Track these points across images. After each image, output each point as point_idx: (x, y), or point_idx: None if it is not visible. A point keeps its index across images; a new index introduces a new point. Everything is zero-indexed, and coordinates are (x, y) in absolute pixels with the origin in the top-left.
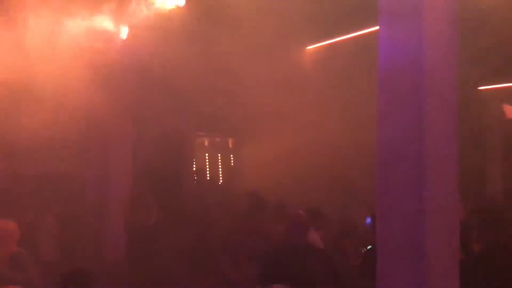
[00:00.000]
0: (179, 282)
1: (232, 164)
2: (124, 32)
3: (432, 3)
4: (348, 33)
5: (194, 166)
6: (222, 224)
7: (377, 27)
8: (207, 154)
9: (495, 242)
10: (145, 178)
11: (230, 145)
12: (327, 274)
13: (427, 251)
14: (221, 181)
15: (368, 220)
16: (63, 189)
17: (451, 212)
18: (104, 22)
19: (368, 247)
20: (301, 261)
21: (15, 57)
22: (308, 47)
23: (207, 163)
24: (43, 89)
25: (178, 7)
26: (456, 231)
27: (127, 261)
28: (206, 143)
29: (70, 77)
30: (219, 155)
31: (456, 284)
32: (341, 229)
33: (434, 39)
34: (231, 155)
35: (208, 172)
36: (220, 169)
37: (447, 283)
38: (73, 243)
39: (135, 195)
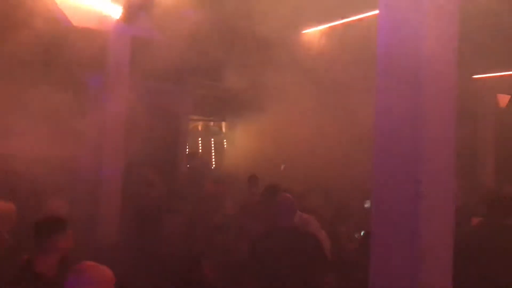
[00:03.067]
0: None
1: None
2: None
3: None
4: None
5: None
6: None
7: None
8: (200, 139)
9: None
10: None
11: (224, 129)
12: (315, 257)
13: (422, 237)
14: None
15: (368, 203)
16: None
17: (448, 198)
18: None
19: (362, 233)
20: (289, 245)
21: None
22: (304, 31)
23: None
24: None
25: None
26: (452, 217)
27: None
28: (199, 128)
29: None
30: (212, 139)
31: (449, 271)
32: (336, 213)
33: (434, 23)
34: (224, 140)
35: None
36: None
37: (441, 268)
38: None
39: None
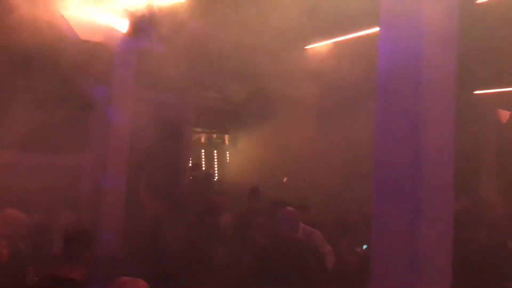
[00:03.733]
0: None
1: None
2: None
3: (432, 6)
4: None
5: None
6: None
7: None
8: (203, 150)
9: None
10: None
11: (227, 142)
12: (316, 270)
13: (421, 252)
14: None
15: None
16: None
17: (446, 214)
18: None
19: (364, 247)
20: (290, 257)
21: None
22: (307, 47)
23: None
24: None
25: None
26: (450, 233)
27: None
28: (202, 140)
29: None
30: (215, 151)
31: (449, 285)
32: (338, 227)
33: (433, 41)
34: (227, 152)
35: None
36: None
37: (440, 283)
38: None
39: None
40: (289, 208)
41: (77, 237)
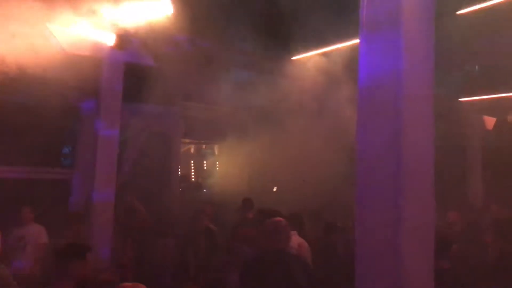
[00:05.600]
0: None
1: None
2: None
3: (409, 18)
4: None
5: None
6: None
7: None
8: (192, 161)
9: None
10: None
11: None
12: (304, 281)
13: (403, 258)
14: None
15: None
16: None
17: (427, 221)
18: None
19: None
20: (279, 268)
21: None
22: (294, 57)
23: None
24: None
25: None
26: (432, 239)
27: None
28: (192, 150)
29: None
30: (204, 162)
31: None
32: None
33: (411, 53)
34: (217, 162)
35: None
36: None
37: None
38: None
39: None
40: (279, 218)
41: (67, 251)
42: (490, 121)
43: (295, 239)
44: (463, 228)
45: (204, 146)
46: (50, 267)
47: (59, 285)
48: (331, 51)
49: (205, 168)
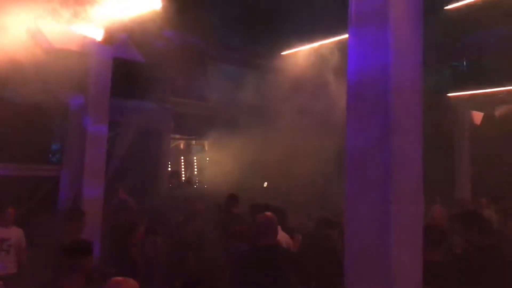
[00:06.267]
0: None
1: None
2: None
3: (398, 13)
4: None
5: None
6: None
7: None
8: (182, 157)
9: (478, 246)
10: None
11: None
12: (297, 275)
13: (393, 253)
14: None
15: None
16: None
17: (416, 215)
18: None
19: None
20: (269, 263)
21: None
22: (283, 53)
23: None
24: None
25: None
26: (420, 233)
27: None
28: (181, 146)
29: None
30: (194, 158)
31: (420, 284)
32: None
33: (400, 47)
34: (207, 158)
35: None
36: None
37: (411, 283)
38: None
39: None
40: (267, 213)
41: (76, 247)
42: (478, 116)
43: (280, 234)
44: (445, 222)
45: (194, 142)
46: (55, 263)
47: (68, 279)
48: (320, 46)
49: (195, 164)
